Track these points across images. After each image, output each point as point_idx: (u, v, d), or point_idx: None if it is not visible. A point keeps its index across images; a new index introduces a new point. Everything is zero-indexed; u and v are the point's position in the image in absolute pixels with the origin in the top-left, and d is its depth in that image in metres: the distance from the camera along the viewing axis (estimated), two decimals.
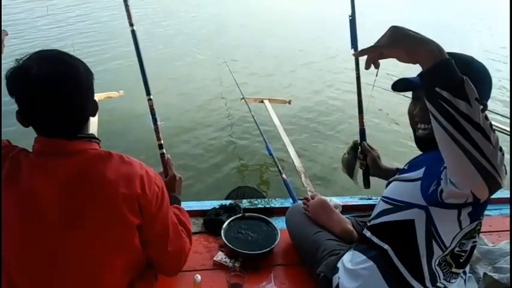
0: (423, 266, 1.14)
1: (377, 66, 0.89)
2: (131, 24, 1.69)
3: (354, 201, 2.17)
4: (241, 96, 3.93)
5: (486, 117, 0.80)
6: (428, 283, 1.15)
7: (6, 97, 0.96)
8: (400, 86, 1.15)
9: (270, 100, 4.15)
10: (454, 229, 1.09)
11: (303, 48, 7.63)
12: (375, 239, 1.24)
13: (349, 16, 1.80)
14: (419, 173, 1.09)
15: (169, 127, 4.34)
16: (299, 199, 2.15)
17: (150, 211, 1.06)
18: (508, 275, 1.45)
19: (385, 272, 1.17)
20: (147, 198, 1.04)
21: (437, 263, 1.14)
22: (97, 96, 4.06)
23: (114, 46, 6.80)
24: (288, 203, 2.11)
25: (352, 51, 1.78)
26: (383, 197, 1.24)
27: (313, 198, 1.76)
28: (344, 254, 1.40)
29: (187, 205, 2.04)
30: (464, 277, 1.30)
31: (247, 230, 1.81)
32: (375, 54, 0.86)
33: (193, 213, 2.00)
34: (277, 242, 1.72)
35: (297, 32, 8.86)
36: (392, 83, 1.15)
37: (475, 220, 1.09)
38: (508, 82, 5.87)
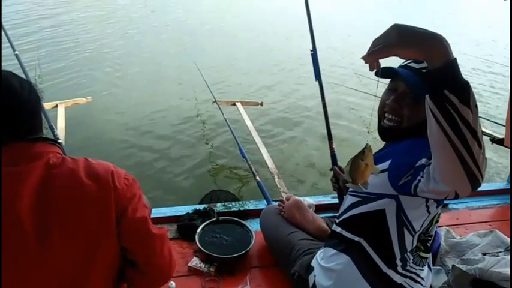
0: (396, 253, 1.17)
1: (379, 67, 0.86)
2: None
3: (327, 200, 2.20)
4: (214, 100, 3.90)
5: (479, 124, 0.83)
6: (400, 269, 1.19)
7: None
8: (383, 73, 1.16)
9: (242, 103, 4.15)
10: (423, 214, 1.14)
11: (273, 48, 7.68)
12: (346, 233, 1.25)
13: (311, 51, 1.82)
14: (385, 165, 1.11)
15: (140, 132, 4.27)
16: (273, 200, 2.16)
17: (125, 205, 1.03)
18: (475, 266, 1.50)
19: (360, 264, 1.20)
20: (119, 192, 1.01)
21: (409, 249, 1.17)
22: (65, 103, 3.98)
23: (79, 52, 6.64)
24: (262, 204, 2.11)
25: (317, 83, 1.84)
26: (350, 191, 1.26)
27: (288, 200, 1.77)
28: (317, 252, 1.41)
29: (160, 211, 2.01)
30: (431, 270, 1.34)
31: (222, 234, 1.79)
32: (383, 55, 0.83)
33: (166, 219, 1.97)
34: (252, 244, 1.72)
35: (267, 33, 8.91)
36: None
37: (440, 205, 1.16)
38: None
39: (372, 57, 0.83)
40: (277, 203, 1.83)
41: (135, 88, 5.44)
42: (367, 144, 1.01)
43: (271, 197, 2.21)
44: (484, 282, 1.48)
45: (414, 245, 1.17)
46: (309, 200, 2.14)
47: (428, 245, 1.22)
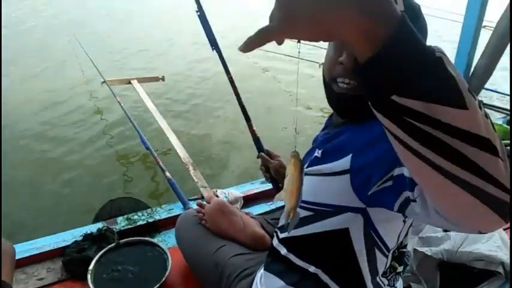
0: (366, 282, 0.84)
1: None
2: None
3: (256, 187, 1.84)
4: (102, 80, 3.23)
5: (486, 115, 0.42)
6: None
7: None
8: None
9: (138, 80, 3.50)
10: (398, 226, 0.81)
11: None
12: (296, 260, 0.88)
13: (197, 11, 1.34)
14: (344, 162, 0.74)
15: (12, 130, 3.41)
16: (190, 200, 1.72)
17: None
18: (442, 247, 1.26)
19: None
20: None
21: (381, 272, 0.85)
22: None
23: None
24: (177, 208, 1.68)
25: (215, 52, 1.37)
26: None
27: (208, 202, 1.35)
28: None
29: (35, 245, 1.46)
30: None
31: (125, 264, 1.32)
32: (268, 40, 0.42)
33: (46, 255, 1.44)
34: (168, 271, 1.28)
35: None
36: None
37: None
38: None
39: (248, 48, 0.43)
40: (195, 208, 1.39)
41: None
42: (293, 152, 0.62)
43: (189, 195, 1.77)
44: (452, 265, 1.26)
45: (388, 265, 0.85)
46: (234, 192, 1.76)
47: (404, 258, 0.91)
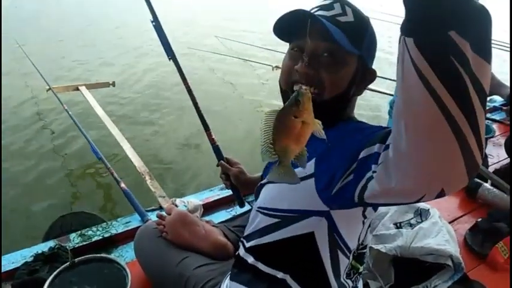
0: (332, 284, 0.86)
1: None
2: None
3: (215, 194, 1.83)
4: (48, 87, 3.06)
5: None
6: None
7: None
8: (280, 30, 0.81)
9: (86, 86, 3.35)
10: (358, 226, 0.84)
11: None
12: (264, 267, 0.89)
13: (152, 21, 1.32)
14: (308, 167, 0.76)
15: None
16: (148, 211, 1.68)
17: None
18: (395, 244, 1.33)
19: None
20: None
21: (343, 273, 0.88)
22: None
23: None
24: (135, 221, 1.63)
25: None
26: (260, 208, 0.89)
27: (169, 214, 1.32)
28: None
29: None
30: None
31: (82, 284, 1.25)
32: None
33: None
34: (128, 287, 1.24)
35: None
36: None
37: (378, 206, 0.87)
38: None
39: None
40: (155, 220, 1.36)
41: None
42: (300, 88, 0.60)
43: (146, 206, 1.72)
44: (406, 260, 1.33)
45: (349, 267, 0.88)
46: (193, 201, 1.74)
47: (364, 257, 0.95)
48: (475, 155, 0.47)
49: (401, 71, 0.47)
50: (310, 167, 0.75)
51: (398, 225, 1.44)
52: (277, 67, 3.91)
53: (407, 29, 0.45)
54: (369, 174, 0.60)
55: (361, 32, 0.82)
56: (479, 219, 1.66)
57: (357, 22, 0.81)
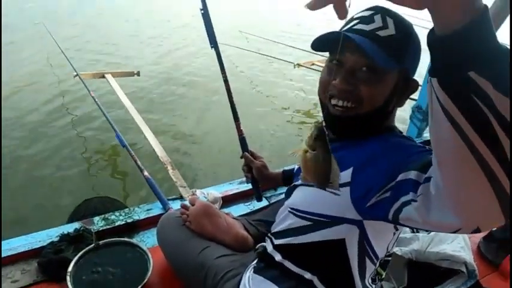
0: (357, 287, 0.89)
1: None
2: None
3: (234, 187, 1.86)
4: (75, 73, 3.14)
5: None
6: None
7: None
8: (319, 43, 0.81)
9: (113, 74, 3.43)
10: (388, 237, 0.87)
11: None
12: (292, 266, 0.92)
13: (201, 10, 1.36)
14: (345, 175, 0.77)
15: None
16: (170, 200, 1.73)
17: None
18: (411, 248, 1.35)
19: None
20: None
21: (370, 281, 0.91)
22: None
23: None
24: (156, 209, 1.68)
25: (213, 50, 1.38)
26: (292, 209, 0.91)
27: (193, 204, 1.36)
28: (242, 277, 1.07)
29: (8, 246, 1.42)
30: None
31: (106, 265, 1.32)
32: None
33: (20, 256, 1.41)
34: (150, 272, 1.29)
35: None
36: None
37: None
38: None
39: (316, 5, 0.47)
40: (177, 209, 1.41)
41: None
42: (315, 122, 0.62)
43: (168, 195, 1.78)
44: (420, 264, 1.34)
45: (374, 272, 0.91)
46: (213, 193, 1.78)
47: (388, 264, 0.97)
48: (504, 186, 0.46)
49: (431, 111, 0.49)
50: (347, 175, 0.76)
51: (415, 230, 1.46)
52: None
53: (432, 69, 0.47)
54: (404, 198, 0.62)
55: (403, 45, 0.80)
56: (494, 229, 1.66)
57: (399, 35, 0.79)
